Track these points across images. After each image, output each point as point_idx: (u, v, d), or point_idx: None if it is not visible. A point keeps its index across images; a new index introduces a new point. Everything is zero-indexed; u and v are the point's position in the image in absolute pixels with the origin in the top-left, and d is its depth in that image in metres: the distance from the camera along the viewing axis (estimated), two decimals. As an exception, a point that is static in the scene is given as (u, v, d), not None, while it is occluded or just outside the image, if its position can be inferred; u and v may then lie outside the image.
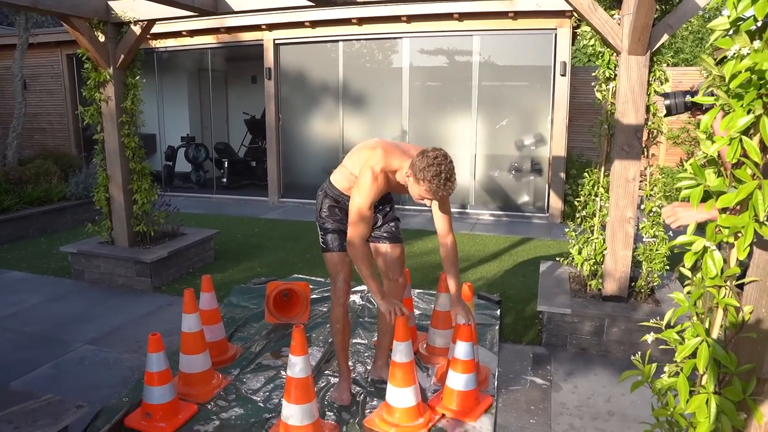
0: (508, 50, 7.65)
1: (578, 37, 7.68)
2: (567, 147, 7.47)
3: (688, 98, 2.31)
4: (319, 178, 8.07)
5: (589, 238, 3.77)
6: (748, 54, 1.15)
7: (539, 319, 3.94)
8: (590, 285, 3.75)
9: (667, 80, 3.47)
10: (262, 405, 2.90)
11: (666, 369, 1.39)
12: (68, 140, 10.20)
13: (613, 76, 3.61)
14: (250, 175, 10.26)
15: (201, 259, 5.35)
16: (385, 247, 2.94)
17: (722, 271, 1.28)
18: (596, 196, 3.78)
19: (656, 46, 3.33)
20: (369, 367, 3.29)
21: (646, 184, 3.66)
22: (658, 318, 1.55)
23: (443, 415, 2.76)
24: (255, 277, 4.95)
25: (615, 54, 3.52)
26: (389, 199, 2.99)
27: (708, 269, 1.29)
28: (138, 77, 4.81)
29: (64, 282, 4.94)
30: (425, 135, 7.96)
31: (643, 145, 3.54)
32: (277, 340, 3.68)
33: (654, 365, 1.47)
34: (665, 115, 2.96)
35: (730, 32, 1.24)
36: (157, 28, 8.35)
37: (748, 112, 1.18)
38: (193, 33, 8.80)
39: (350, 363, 3.17)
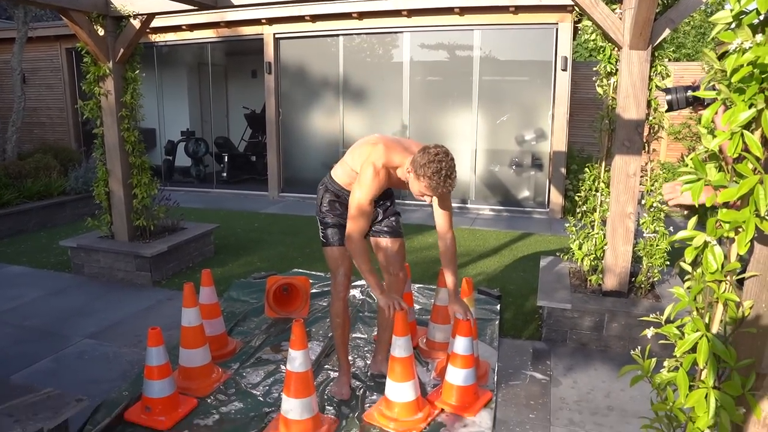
0: (509, 45, 7.63)
1: (579, 32, 7.66)
2: (568, 142, 7.46)
3: (690, 93, 2.30)
4: (319, 172, 8.06)
5: (589, 233, 3.77)
6: (750, 48, 1.15)
7: (539, 314, 3.94)
8: (590, 280, 3.76)
9: (668, 75, 3.46)
10: (261, 399, 2.91)
11: (665, 364, 1.39)
12: (68, 134, 10.19)
13: (614, 71, 3.60)
14: (250, 170, 10.25)
15: (201, 254, 5.35)
16: (385, 241, 2.94)
17: (723, 266, 1.28)
18: (597, 191, 3.78)
19: (658, 41, 3.31)
20: (369, 362, 3.30)
21: (646, 180, 3.66)
22: (658, 313, 1.55)
23: (442, 410, 2.77)
24: (255, 272, 4.96)
25: (616, 49, 3.50)
26: (390, 194, 2.99)
27: (708, 264, 1.28)
28: (137, 71, 4.79)
29: (64, 276, 4.95)
30: (426, 130, 7.95)
31: (644, 141, 3.53)
32: (276, 335, 3.68)
33: (653, 360, 1.47)
34: (666, 111, 2.96)
35: (733, 26, 1.23)
36: (156, 22, 8.28)
37: (750, 107, 1.18)
38: (192, 27, 8.77)
39: (350, 357, 3.18)
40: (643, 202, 3.65)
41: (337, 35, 8.21)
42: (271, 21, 8.29)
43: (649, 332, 1.50)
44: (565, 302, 3.54)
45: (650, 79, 3.40)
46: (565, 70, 7.16)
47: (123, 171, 4.79)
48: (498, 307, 4.12)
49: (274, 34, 8.40)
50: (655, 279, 3.69)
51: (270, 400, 2.90)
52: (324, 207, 2.89)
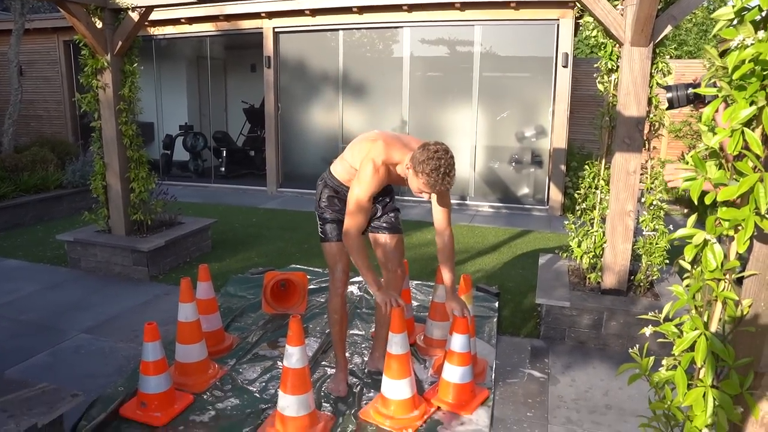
0: (509, 41, 7.61)
1: (581, 28, 7.64)
2: (568, 139, 7.45)
3: (691, 91, 2.30)
4: (318, 167, 8.06)
5: (588, 231, 3.77)
6: (751, 44, 1.14)
7: (538, 311, 3.95)
8: (589, 278, 3.76)
9: (669, 72, 3.45)
10: (258, 395, 2.91)
11: (664, 362, 1.39)
12: (65, 127, 10.16)
13: (615, 68, 3.59)
14: (249, 165, 10.24)
15: (198, 249, 5.34)
16: (384, 237, 2.94)
17: (722, 265, 1.28)
18: (596, 188, 3.77)
19: (659, 38, 3.30)
20: (366, 359, 3.30)
21: (646, 178, 3.65)
22: (656, 311, 1.55)
23: (439, 408, 2.77)
24: (252, 267, 4.95)
25: (617, 45, 3.49)
26: (389, 190, 2.99)
27: (708, 262, 1.28)
28: (136, 64, 4.78)
29: (60, 270, 4.94)
30: (425, 126, 7.94)
31: (645, 138, 3.53)
32: (274, 331, 3.68)
33: (652, 358, 1.47)
34: (667, 108, 2.95)
35: (735, 22, 1.22)
36: (155, 15, 8.28)
37: (751, 104, 1.17)
38: (191, 20, 8.74)
39: (347, 354, 3.18)
40: (642, 200, 3.64)
41: (337, 30, 8.19)
42: (271, 15, 8.26)
43: (648, 330, 1.50)
44: (564, 300, 3.55)
45: (651, 76, 3.39)
46: (566, 66, 7.14)
47: (120, 165, 4.78)
48: (496, 304, 4.11)
49: (274, 28, 8.38)
50: (655, 277, 3.69)
51: (266, 397, 2.89)
52: (323, 202, 2.88)
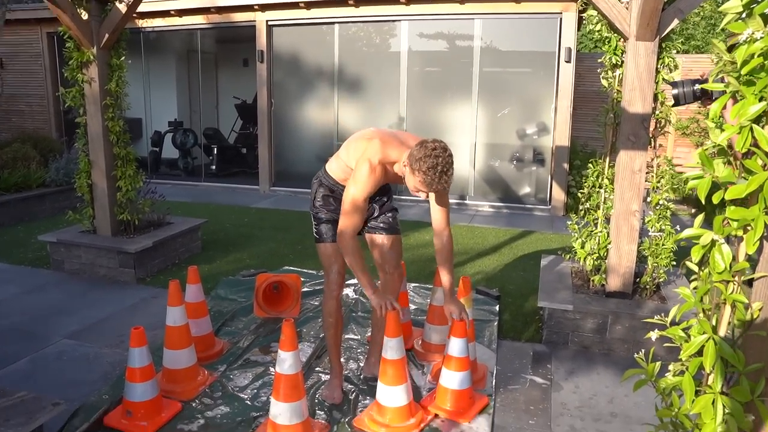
0: (510, 35, 7.62)
1: (584, 22, 7.65)
2: (571, 136, 7.46)
3: (697, 87, 2.30)
4: (312, 166, 8.05)
5: (592, 231, 3.77)
6: (761, 38, 1.14)
7: (540, 315, 3.95)
8: (593, 280, 3.76)
9: (676, 67, 3.45)
10: (249, 403, 2.90)
11: (671, 368, 1.39)
12: (48, 123, 10.12)
13: (619, 63, 3.59)
14: (241, 163, 10.22)
15: (188, 250, 5.33)
16: (381, 238, 2.94)
17: (730, 266, 1.28)
18: (600, 187, 3.78)
19: (666, 32, 3.30)
20: (362, 364, 3.29)
21: (652, 176, 3.66)
22: (663, 315, 1.55)
23: (436, 415, 2.76)
24: (244, 269, 4.94)
25: (622, 40, 3.49)
26: (387, 189, 2.98)
27: (716, 264, 1.28)
28: (123, 58, 4.76)
29: (43, 273, 4.92)
30: (423, 122, 7.94)
31: (650, 136, 3.53)
32: (266, 335, 3.67)
33: (658, 364, 1.47)
34: (673, 105, 2.95)
35: (743, 15, 1.22)
36: (144, 7, 8.27)
37: (760, 100, 1.17)
38: (182, 12, 8.72)
39: (342, 359, 3.17)
40: (648, 199, 3.64)
41: (333, 23, 8.18)
42: (264, 7, 8.24)
43: (654, 335, 1.50)
44: (567, 303, 3.54)
45: (657, 72, 3.39)
46: (568, 61, 7.15)
47: (107, 162, 4.76)
48: (497, 307, 4.11)
49: (267, 21, 8.36)
50: (661, 279, 3.69)
51: (258, 404, 2.88)
52: (318, 202, 2.88)
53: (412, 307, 4.08)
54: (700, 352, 1.29)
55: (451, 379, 2.75)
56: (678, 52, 3.63)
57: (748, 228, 1.22)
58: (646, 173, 3.55)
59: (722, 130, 1.27)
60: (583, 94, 8.50)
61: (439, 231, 2.74)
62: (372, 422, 2.66)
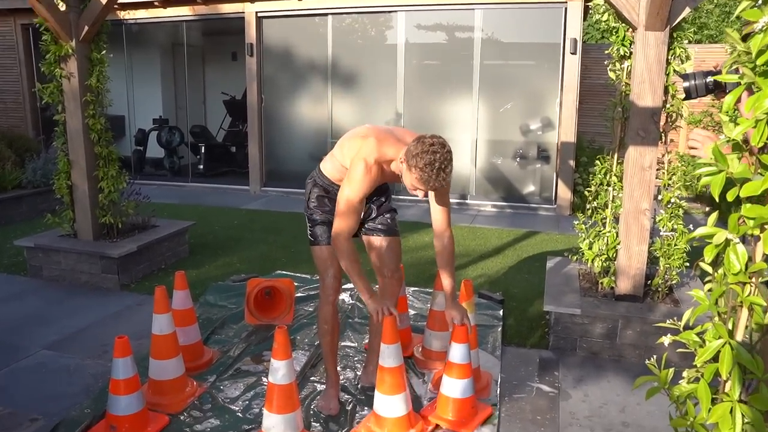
0: (513, 26, 7.62)
1: (590, 12, 7.67)
2: (577, 132, 7.47)
3: (710, 79, 2.30)
4: (305, 165, 8.05)
5: (600, 231, 3.78)
6: (778, 26, 1.14)
7: (546, 320, 3.95)
8: (602, 283, 3.76)
9: (688, 58, 3.46)
10: (240, 415, 2.89)
11: (685, 375, 1.39)
12: (24, 121, 10.07)
13: (628, 54, 3.60)
14: (230, 162, 10.20)
15: (174, 254, 5.32)
16: (379, 240, 2.94)
17: (747, 267, 1.28)
18: (609, 185, 3.78)
19: (677, 21, 3.31)
20: (359, 373, 3.29)
21: (663, 173, 3.67)
22: (675, 318, 1.55)
23: (437, 426, 2.76)
24: (234, 274, 4.93)
25: (631, 30, 3.50)
26: (385, 188, 2.98)
27: (731, 264, 1.28)
28: (104, 52, 4.75)
29: (19, 280, 4.90)
30: (422, 118, 7.94)
31: (661, 130, 3.54)
32: (257, 343, 3.66)
33: (672, 370, 1.47)
34: (684, 99, 2.95)
35: (759, 2, 1.22)
36: (125, -2, 8.28)
37: (778, 91, 1.17)
38: (166, 3, 8.71)
39: (339, 368, 3.17)
40: (659, 197, 3.65)
41: (326, 14, 8.18)
42: (253, -2, 8.25)
43: (667, 340, 1.50)
44: (575, 307, 3.55)
45: (668, 63, 3.40)
46: (574, 53, 7.16)
47: (87, 162, 4.74)
48: (500, 312, 4.12)
49: (257, 12, 8.36)
50: (674, 281, 3.70)
51: (250, 417, 2.87)
52: (312, 203, 2.88)
53: (412, 312, 4.07)
54: (715, 358, 1.29)
55: (453, 387, 2.74)
56: (690, 42, 3.64)
57: (765, 227, 1.22)
58: (657, 170, 3.56)
59: (737, 124, 1.27)
60: (590, 87, 8.50)
61: (439, 232, 2.74)
62: (370, 434, 2.65)
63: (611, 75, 3.71)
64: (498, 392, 3.10)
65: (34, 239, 4.97)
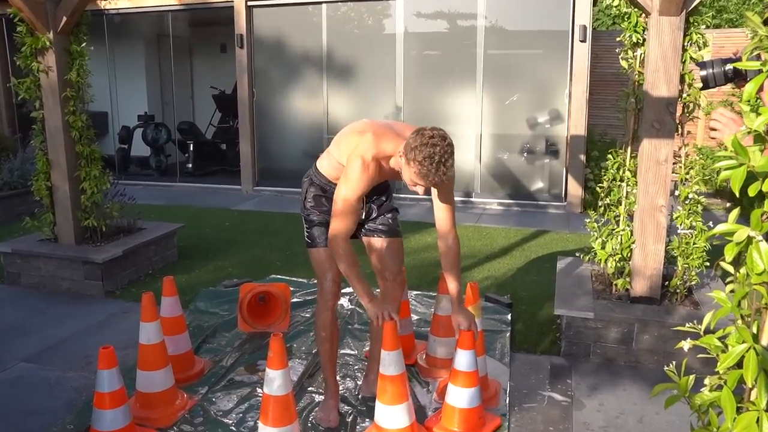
0: (518, 12, 7.62)
1: (601, -4, 7.64)
2: (587, 125, 7.47)
3: (729, 67, 2.29)
4: (300, 163, 8.05)
5: (614, 230, 3.77)
6: (803, 9, 1.13)
7: (557, 324, 3.94)
8: (616, 285, 3.76)
9: (705, 45, 3.45)
10: (234, 429, 2.89)
11: (706, 382, 1.38)
12: None
13: (641, 41, 3.59)
14: (220, 160, 10.20)
15: (162, 258, 5.31)
16: (380, 241, 2.93)
17: (772, 266, 1.27)
18: (622, 181, 3.78)
19: (693, 5, 3.31)
20: (360, 383, 3.28)
21: (680, 167, 3.66)
22: (695, 322, 1.54)
23: (445, 438, 2.75)
24: (226, 279, 4.93)
25: (644, 15, 3.50)
26: (386, 187, 2.98)
27: (754, 264, 1.27)
28: (85, 44, 4.74)
29: (-2, 287, 4.90)
30: (423, 112, 7.93)
31: (677, 122, 3.54)
32: (252, 352, 3.66)
33: (692, 377, 1.46)
34: (701, 88, 2.95)
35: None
36: (107, -12, 8.27)
37: (803, 78, 1.16)
38: (149, -7, 8.71)
39: (338, 377, 3.16)
40: (676, 193, 3.64)
41: (320, 3, 8.17)
42: (242, -14, 8.24)
43: (686, 344, 1.49)
44: (587, 310, 3.54)
45: (684, 50, 3.40)
46: (583, 41, 7.16)
47: (68, 162, 4.73)
48: (509, 316, 4.11)
49: (247, 1, 8.35)
50: (693, 282, 3.69)
51: (244, 430, 2.87)
52: (308, 203, 2.89)
53: (414, 317, 4.07)
54: (739, 364, 1.28)
55: (459, 396, 2.74)
56: (707, 27, 3.64)
57: (791, 223, 1.21)
58: (673, 164, 3.55)
59: (758, 114, 1.26)
60: (601, 76, 8.50)
61: (443, 232, 2.74)
62: (372, 448, 2.65)
63: (623, 64, 3.71)
64: (507, 402, 3.10)
65: (11, 244, 4.96)
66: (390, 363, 2.56)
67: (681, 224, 3.61)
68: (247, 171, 8.77)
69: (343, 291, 4.41)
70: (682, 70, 3.43)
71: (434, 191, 2.66)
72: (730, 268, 1.41)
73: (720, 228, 1.33)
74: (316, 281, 2.98)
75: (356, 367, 3.49)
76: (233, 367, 3.48)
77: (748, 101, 1.34)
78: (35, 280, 4.86)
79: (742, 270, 1.35)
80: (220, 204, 8.04)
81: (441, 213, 2.72)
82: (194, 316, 4.20)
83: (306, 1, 8.21)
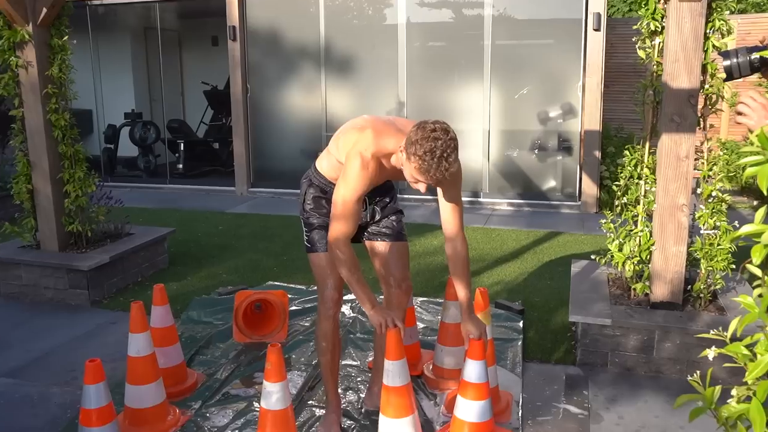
0: (528, 0, 7.61)
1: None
2: (602, 119, 7.46)
3: (755, 56, 2.28)
4: (297, 162, 8.05)
5: (631, 231, 3.76)
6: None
7: (572, 332, 3.94)
8: (635, 289, 3.75)
9: (729, 32, 3.44)
10: (229, 445, 2.89)
11: (734, 393, 1.37)
12: (-22, 119, 10.10)
13: (660, 29, 3.58)
14: (213, 160, 10.21)
15: (152, 265, 5.32)
16: (384, 245, 2.94)
17: (803, 269, 1.26)
18: (640, 178, 3.77)
19: (715, -11, 3.31)
20: (362, 395, 3.28)
21: (703, 163, 3.65)
22: (720, 328, 1.53)
23: (454, 454, 2.75)
24: (220, 286, 4.93)
25: (662, 1, 3.49)
26: (389, 187, 2.99)
27: (784, 266, 1.26)
28: (67, 37, 4.75)
29: (-25, 298, 4.91)
30: (427, 107, 7.93)
31: (699, 115, 3.53)
32: (248, 364, 3.66)
33: (718, 388, 1.45)
34: (725, 79, 2.94)
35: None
36: (91, -22, 8.30)
37: (835, 67, 1.16)
38: (136, -17, 8.73)
39: (340, 390, 3.16)
40: (698, 190, 3.63)
41: (317, -9, 8.19)
42: (234, -25, 8.26)
43: (711, 353, 1.48)
44: (604, 317, 3.53)
45: (706, 38, 3.39)
46: (598, 29, 7.15)
47: (51, 163, 4.74)
48: (520, 324, 4.11)
49: (238, -9, 8.37)
50: (717, 286, 3.68)
51: (240, 447, 2.87)
52: (308, 205, 2.89)
53: (421, 325, 4.07)
54: (769, 373, 1.27)
55: (469, 410, 2.73)
56: (732, 12, 3.63)
57: (823, 222, 1.21)
58: (695, 160, 3.54)
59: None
60: (617, 67, 8.49)
61: (451, 235, 2.73)
62: (376, 465, 2.64)
63: (641, 53, 3.70)
64: (520, 415, 3.09)
65: (-9, 251, 4.98)
66: (394, 373, 2.56)
67: (704, 224, 3.60)
68: (242, 171, 8.78)
69: (344, 298, 4.42)
70: (704, 59, 3.42)
71: (440, 191, 2.65)
72: (758, 271, 1.40)
73: (746, 228, 1.32)
74: (316, 288, 2.98)
75: (359, 378, 3.49)
76: (228, 380, 3.48)
77: (776, 92, 1.34)
78: (16, 289, 4.87)
79: (771, 272, 1.34)
80: (213, 207, 8.04)
81: (447, 214, 2.71)
82: (186, 326, 4.20)
83: (302, -9, 8.23)
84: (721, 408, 1.41)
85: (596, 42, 7.21)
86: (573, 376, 3.52)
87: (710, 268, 3.62)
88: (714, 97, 3.58)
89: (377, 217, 2.94)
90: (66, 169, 4.81)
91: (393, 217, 2.96)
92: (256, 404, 3.18)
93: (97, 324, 4.35)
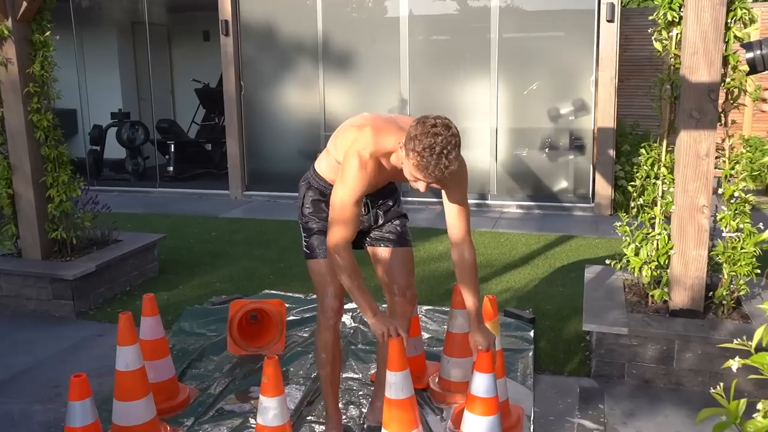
0: (537, -10, 7.64)
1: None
2: (617, 116, 7.46)
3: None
4: (294, 164, 8.05)
5: (648, 234, 3.76)
6: None
7: (586, 342, 3.93)
8: (652, 296, 3.74)
9: (752, 21, 3.43)
10: (223, 464, 2.89)
11: (760, 406, 1.37)
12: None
13: (677, 20, 3.58)
14: (205, 162, 10.23)
15: (141, 274, 5.32)
16: (387, 251, 2.94)
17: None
18: (657, 178, 3.77)
19: (736, -24, 3.30)
20: (365, 410, 3.28)
21: (724, 161, 3.65)
22: (745, 338, 1.53)
23: (462, 472, 2.74)
24: (213, 295, 4.94)
25: (680, -10, 3.49)
26: (393, 190, 2.99)
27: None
28: (49, 33, 4.75)
29: (-46, 309, 4.90)
30: (431, 104, 7.93)
31: (720, 110, 3.52)
32: (243, 378, 3.66)
33: (743, 401, 1.44)
34: (748, 73, 2.94)
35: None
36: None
37: None
38: (123, -24, 8.76)
39: (340, 405, 3.16)
40: (720, 191, 3.63)
41: (313, -17, 8.21)
42: (226, -34, 8.28)
43: (735, 364, 1.48)
44: (620, 325, 3.53)
45: (727, 28, 3.38)
46: (611, 21, 7.16)
47: (33, 166, 4.75)
48: (531, 333, 4.11)
49: (231, -17, 8.40)
50: (741, 293, 3.67)
51: (235, 466, 2.87)
52: (307, 209, 2.89)
53: (426, 335, 4.07)
54: (798, 385, 1.27)
55: (477, 425, 2.72)
56: (755, 0, 3.62)
57: None
58: (716, 158, 3.54)
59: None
60: (632, 61, 8.50)
61: (457, 240, 2.72)
62: (380, 485, 2.63)
63: (657, 45, 3.70)
64: (531, 430, 3.08)
65: (-30, 260, 4.98)
66: (397, 385, 2.54)
67: (726, 226, 3.58)
68: (236, 174, 8.78)
69: (345, 307, 4.42)
70: (725, 51, 3.41)
71: (445, 193, 2.65)
72: (785, 276, 1.39)
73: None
74: (315, 297, 2.98)
75: (361, 392, 3.48)
76: (222, 394, 3.48)
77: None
78: (-3, 300, 4.87)
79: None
80: (206, 211, 8.05)
81: (453, 217, 2.71)
82: (178, 338, 4.20)
83: (298, -17, 8.25)
84: (746, 423, 1.40)
85: (610, 34, 7.21)
86: (587, 389, 3.51)
87: (733, 273, 3.60)
88: (736, 91, 3.57)
89: (380, 222, 2.94)
90: (49, 172, 4.81)
91: (397, 222, 2.96)
92: (252, 420, 3.17)
93: (82, 336, 4.35)
